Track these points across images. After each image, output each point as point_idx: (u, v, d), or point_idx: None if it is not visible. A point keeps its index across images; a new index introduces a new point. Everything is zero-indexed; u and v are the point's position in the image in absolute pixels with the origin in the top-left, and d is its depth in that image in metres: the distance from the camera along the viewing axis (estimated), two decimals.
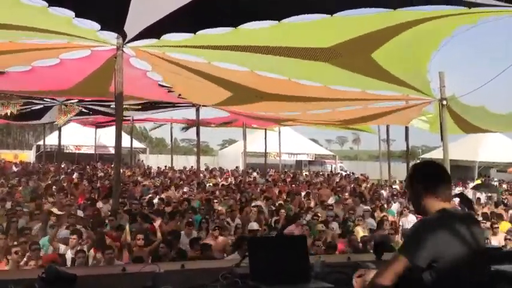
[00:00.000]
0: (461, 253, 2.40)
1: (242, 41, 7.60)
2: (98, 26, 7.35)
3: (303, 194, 15.72)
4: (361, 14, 6.34)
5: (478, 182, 26.14)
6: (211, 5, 6.19)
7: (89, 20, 7.01)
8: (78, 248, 7.36)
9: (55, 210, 9.46)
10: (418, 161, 2.73)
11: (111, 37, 8.39)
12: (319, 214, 10.95)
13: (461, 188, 22.42)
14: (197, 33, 7.11)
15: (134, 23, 7.02)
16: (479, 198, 17.20)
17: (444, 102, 10.53)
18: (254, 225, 9.36)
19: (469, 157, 27.43)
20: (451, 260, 2.39)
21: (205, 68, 9.58)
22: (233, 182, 20.41)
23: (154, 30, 7.22)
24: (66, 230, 8.34)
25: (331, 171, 35.78)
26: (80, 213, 10.41)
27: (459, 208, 3.43)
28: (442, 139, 10.87)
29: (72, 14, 6.64)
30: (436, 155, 26.87)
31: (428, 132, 15.49)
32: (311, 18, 6.58)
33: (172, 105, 16.57)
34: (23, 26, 7.26)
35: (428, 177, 2.64)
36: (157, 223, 9.06)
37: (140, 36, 7.75)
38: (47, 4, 6.23)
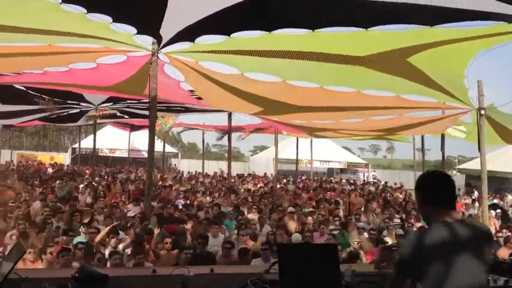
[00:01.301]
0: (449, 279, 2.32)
1: (275, 45, 7.63)
2: (134, 30, 7.52)
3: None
4: (397, 30, 6.29)
5: None
6: (247, 11, 6.23)
7: (125, 25, 7.18)
8: (121, 247, 7.45)
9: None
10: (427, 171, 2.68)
11: (147, 43, 8.56)
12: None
13: (497, 201, 21.77)
14: (231, 35, 7.19)
15: (170, 27, 7.14)
16: None
17: (482, 112, 10.28)
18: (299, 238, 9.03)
19: (507, 168, 26.63)
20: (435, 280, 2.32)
21: (237, 80, 9.62)
22: (263, 188, 20.37)
23: (189, 33, 7.31)
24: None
25: (363, 179, 35.33)
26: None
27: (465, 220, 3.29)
28: (479, 149, 10.61)
29: (110, 19, 6.82)
30: (473, 165, 26.21)
31: (464, 140, 15.14)
32: (345, 31, 6.61)
33: (204, 109, 16.72)
34: (62, 31, 7.48)
35: (426, 187, 2.60)
36: (188, 226, 9.12)
37: (175, 39, 7.86)
38: (85, 11, 6.41)
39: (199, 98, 12.75)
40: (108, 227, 8.14)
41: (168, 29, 7.31)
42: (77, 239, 8.08)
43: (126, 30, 7.41)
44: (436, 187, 2.55)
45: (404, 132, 16.64)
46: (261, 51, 7.99)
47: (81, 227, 8.57)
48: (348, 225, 10.61)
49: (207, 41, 7.72)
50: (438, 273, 2.31)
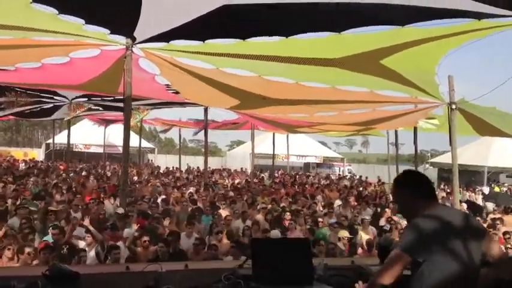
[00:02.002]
0: (450, 261, 2.56)
1: (250, 50, 7.69)
2: (107, 31, 7.49)
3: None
4: (369, 32, 6.40)
5: (497, 189, 25.96)
6: (220, 21, 6.24)
7: (99, 27, 7.12)
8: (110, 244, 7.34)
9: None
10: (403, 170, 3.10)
11: (121, 38, 8.46)
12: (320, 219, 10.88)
13: (470, 194, 22.27)
14: (206, 41, 7.23)
15: (144, 30, 7.10)
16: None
17: (453, 107, 10.46)
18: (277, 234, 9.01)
19: (478, 162, 27.24)
20: (440, 263, 2.55)
21: (213, 73, 9.62)
22: (241, 183, 20.39)
23: (163, 36, 7.30)
24: (81, 228, 8.37)
25: (339, 174, 35.67)
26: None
27: (449, 210, 3.54)
28: (450, 143, 10.79)
29: (82, 21, 6.74)
30: (445, 159, 26.71)
31: (436, 132, 15.39)
32: (319, 36, 6.70)
33: (180, 103, 16.60)
34: (33, 28, 7.34)
35: (413, 183, 2.90)
36: (166, 223, 9.05)
37: (150, 40, 7.83)
38: (56, 12, 6.30)
39: (176, 92, 12.65)
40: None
41: (142, 32, 7.29)
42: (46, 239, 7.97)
43: (99, 30, 7.37)
44: (421, 182, 2.88)
45: (378, 126, 16.83)
46: (236, 54, 8.02)
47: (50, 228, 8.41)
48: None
49: (182, 43, 7.75)
50: (443, 254, 2.56)
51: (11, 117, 22.46)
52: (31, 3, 5.99)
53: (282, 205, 12.97)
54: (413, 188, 2.85)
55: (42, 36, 8.17)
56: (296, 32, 6.52)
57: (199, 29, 6.65)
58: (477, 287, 2.65)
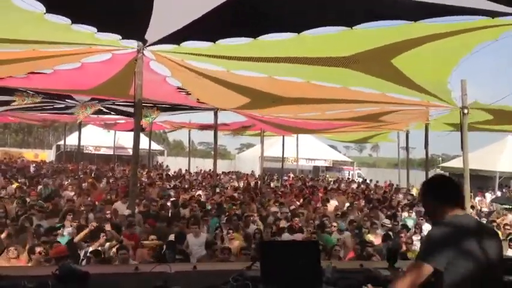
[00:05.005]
0: (470, 264, 2.55)
1: (261, 51, 7.65)
2: (119, 37, 7.58)
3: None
4: (381, 27, 6.34)
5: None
6: (232, 15, 6.23)
7: (111, 33, 7.19)
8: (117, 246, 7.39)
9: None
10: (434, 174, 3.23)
11: (132, 42, 8.53)
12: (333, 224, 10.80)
13: (480, 198, 22.08)
14: (217, 42, 7.20)
15: (155, 32, 7.13)
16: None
17: (465, 111, 10.40)
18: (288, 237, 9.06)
19: (490, 167, 26.99)
20: (460, 268, 2.54)
21: (224, 75, 9.65)
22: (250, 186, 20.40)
23: (174, 38, 7.31)
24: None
25: (348, 177, 35.53)
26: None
27: (474, 216, 3.49)
28: (462, 148, 10.73)
29: (95, 29, 6.80)
30: (456, 163, 26.50)
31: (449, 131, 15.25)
32: (330, 31, 6.63)
33: (190, 107, 16.66)
34: (46, 41, 7.43)
35: (437, 186, 2.91)
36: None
37: (160, 42, 7.87)
38: (69, 21, 6.37)
39: (188, 93, 12.69)
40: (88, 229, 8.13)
41: (153, 34, 7.32)
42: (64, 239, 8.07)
43: (112, 38, 7.45)
44: (446, 187, 2.89)
45: (389, 120, 16.48)
46: (246, 57, 8.01)
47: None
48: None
49: (192, 45, 7.75)
50: (461, 259, 2.55)
51: (23, 120, 22.58)
52: (45, 13, 6.05)
53: (292, 208, 12.95)
54: (436, 192, 2.86)
55: (55, 48, 8.28)
56: (308, 27, 6.43)
57: (210, 27, 6.63)
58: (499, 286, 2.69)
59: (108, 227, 8.47)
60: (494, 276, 2.67)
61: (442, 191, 2.86)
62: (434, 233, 2.67)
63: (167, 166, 31.50)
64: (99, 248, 7.33)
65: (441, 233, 2.63)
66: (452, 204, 2.79)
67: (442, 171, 31.26)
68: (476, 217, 13.34)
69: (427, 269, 2.54)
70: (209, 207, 12.30)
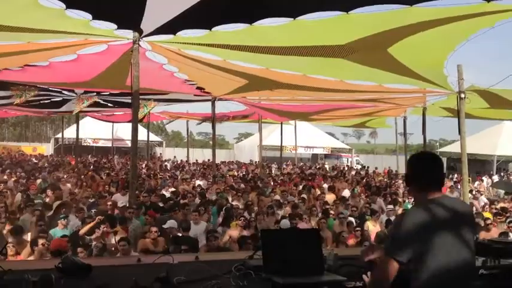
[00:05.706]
0: (441, 258, 2.38)
1: (257, 39, 7.59)
2: (114, 26, 7.49)
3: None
4: (377, 11, 6.28)
5: None
6: (227, 0, 6.18)
7: (106, 22, 7.11)
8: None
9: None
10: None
11: (128, 33, 8.48)
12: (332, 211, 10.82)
13: (479, 182, 22.16)
14: (212, 29, 7.14)
15: (150, 21, 7.08)
16: None
17: (462, 96, 10.40)
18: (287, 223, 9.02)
19: (488, 151, 27.07)
20: (431, 262, 2.38)
21: (221, 63, 9.61)
22: (248, 175, 20.43)
23: (170, 27, 7.27)
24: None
25: (347, 164, 35.60)
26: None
27: (453, 198, 3.35)
28: (459, 132, 10.75)
29: (90, 16, 6.73)
30: (454, 148, 26.58)
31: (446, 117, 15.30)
32: (326, 16, 6.55)
33: (188, 100, 16.65)
34: (40, 29, 7.36)
35: (416, 167, 2.67)
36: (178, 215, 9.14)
37: (156, 32, 7.83)
38: (64, 6, 6.30)
39: (185, 80, 12.64)
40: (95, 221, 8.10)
41: (148, 24, 7.27)
42: (55, 231, 8.05)
43: (106, 27, 7.37)
44: (424, 167, 2.62)
45: (387, 111, 16.46)
46: (243, 46, 7.94)
47: (61, 219, 8.49)
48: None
49: (188, 34, 7.69)
50: (424, 252, 2.37)
51: (19, 113, 22.54)
52: None
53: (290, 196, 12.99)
54: (416, 173, 2.63)
55: (50, 39, 8.21)
56: (303, 11, 6.34)
57: (206, 14, 6.58)
58: (475, 276, 2.56)
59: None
60: (468, 268, 2.49)
61: (420, 171, 2.62)
62: (399, 222, 2.50)
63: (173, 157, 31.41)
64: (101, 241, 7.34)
65: (408, 221, 2.43)
66: (429, 186, 2.55)
67: (440, 156, 31.34)
68: (476, 203, 13.40)
69: (394, 264, 2.36)
70: (214, 197, 12.34)
